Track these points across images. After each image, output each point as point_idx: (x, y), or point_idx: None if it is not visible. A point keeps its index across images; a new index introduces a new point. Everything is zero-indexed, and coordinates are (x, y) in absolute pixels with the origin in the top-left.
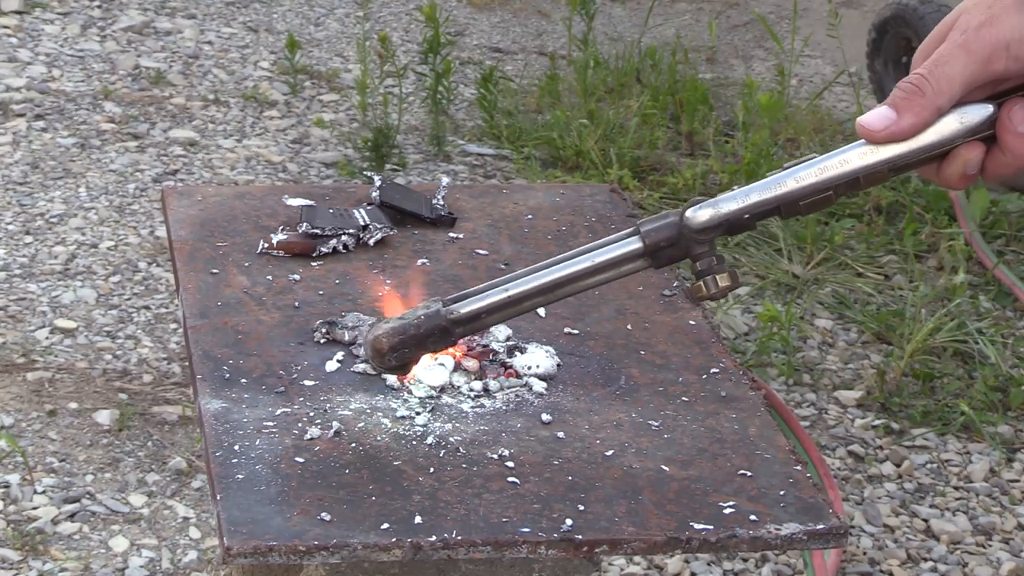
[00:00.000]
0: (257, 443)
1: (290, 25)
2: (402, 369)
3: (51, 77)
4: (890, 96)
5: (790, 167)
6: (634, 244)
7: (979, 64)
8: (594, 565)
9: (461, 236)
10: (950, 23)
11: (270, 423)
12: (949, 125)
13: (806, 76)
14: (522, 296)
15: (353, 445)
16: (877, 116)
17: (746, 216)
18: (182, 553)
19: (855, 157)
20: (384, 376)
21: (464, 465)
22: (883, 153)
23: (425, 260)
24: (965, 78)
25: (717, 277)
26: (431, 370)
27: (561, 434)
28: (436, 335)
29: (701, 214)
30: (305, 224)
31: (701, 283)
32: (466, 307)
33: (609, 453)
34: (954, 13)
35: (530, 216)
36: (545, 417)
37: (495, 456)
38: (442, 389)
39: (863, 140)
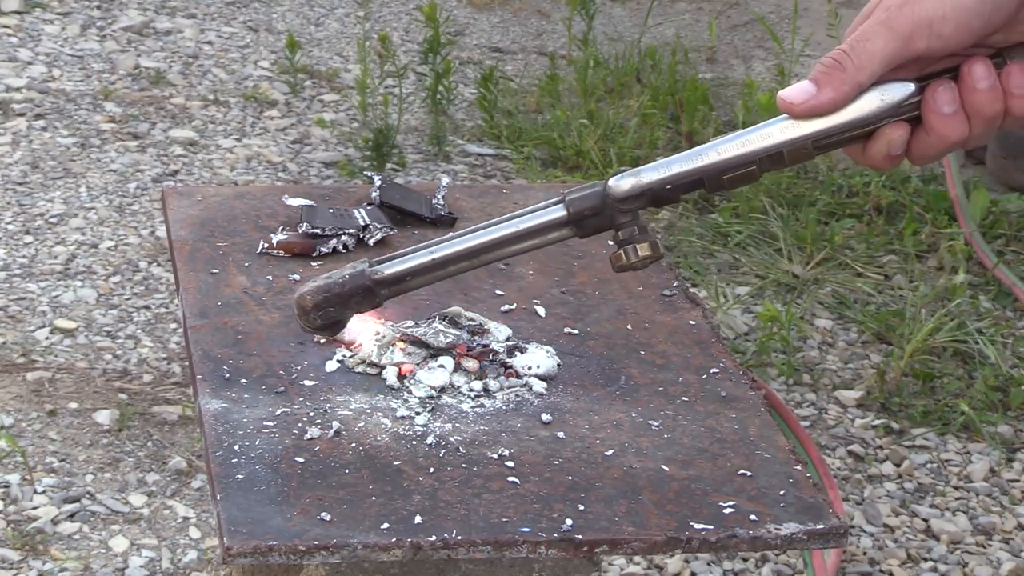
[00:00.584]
0: (257, 443)
1: (290, 25)
2: (329, 330)
3: (51, 77)
4: (812, 71)
5: (714, 141)
6: (559, 212)
7: (900, 42)
8: (594, 565)
9: None
10: (876, 1)
11: (270, 423)
12: (870, 102)
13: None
14: (447, 259)
15: (353, 445)
16: (797, 90)
17: (668, 187)
18: (182, 553)
19: (777, 132)
20: (384, 376)
21: (464, 465)
22: (805, 128)
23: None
24: (886, 55)
25: (638, 247)
26: (432, 370)
27: (561, 434)
28: (360, 295)
29: (623, 183)
30: (305, 224)
31: (621, 252)
32: (391, 268)
33: (609, 453)
34: None
35: None
36: (545, 417)
37: (495, 456)
38: (442, 389)
39: (785, 115)
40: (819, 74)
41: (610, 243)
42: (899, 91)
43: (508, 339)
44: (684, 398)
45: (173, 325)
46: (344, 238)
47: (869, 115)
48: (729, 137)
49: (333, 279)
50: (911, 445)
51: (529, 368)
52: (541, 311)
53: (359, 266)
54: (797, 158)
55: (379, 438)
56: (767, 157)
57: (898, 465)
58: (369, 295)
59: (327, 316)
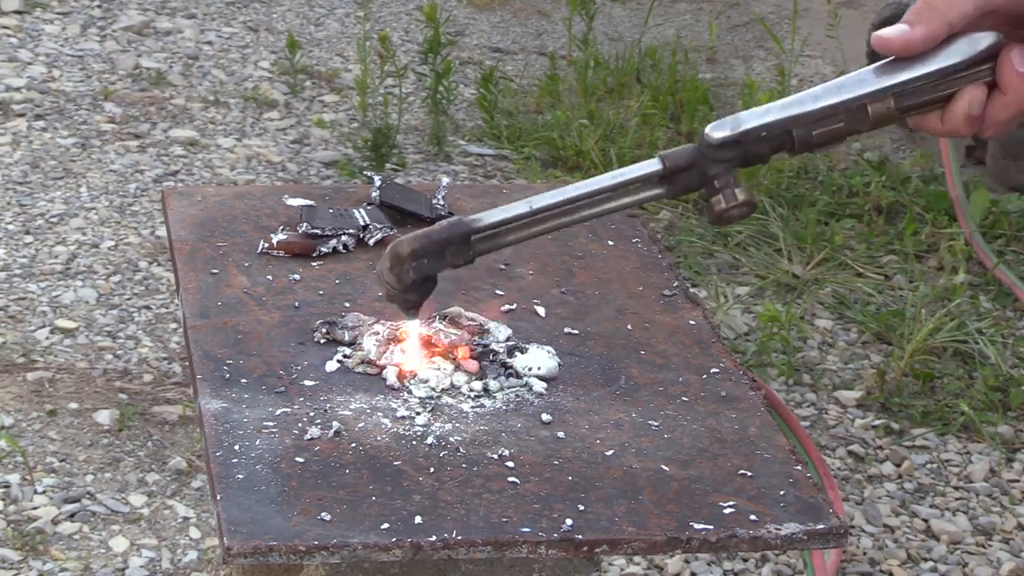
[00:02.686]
0: (257, 443)
1: (290, 25)
2: (418, 292)
3: (51, 77)
4: (905, 15)
5: (811, 90)
6: (654, 166)
7: None
8: (594, 565)
9: None
10: None
11: (270, 423)
12: (958, 49)
13: (806, 76)
14: (544, 210)
15: (353, 445)
16: (893, 29)
17: (763, 135)
18: (182, 553)
19: (871, 76)
20: (384, 376)
21: (464, 465)
22: (896, 76)
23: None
24: None
25: (736, 191)
26: (432, 371)
27: (561, 434)
28: (456, 244)
29: (720, 128)
30: (305, 224)
31: (721, 196)
32: (490, 217)
33: (609, 453)
34: None
35: None
36: (545, 417)
37: (495, 456)
38: (442, 389)
39: (876, 65)
40: (911, 15)
41: (702, 200)
42: (986, 40)
43: (508, 339)
44: (684, 398)
45: (173, 325)
46: (344, 238)
47: (956, 63)
48: (827, 84)
49: (430, 229)
50: (911, 445)
51: (529, 368)
52: (541, 311)
53: (456, 217)
54: (880, 119)
55: (379, 438)
56: (854, 112)
57: (898, 465)
58: (464, 246)
59: (421, 268)
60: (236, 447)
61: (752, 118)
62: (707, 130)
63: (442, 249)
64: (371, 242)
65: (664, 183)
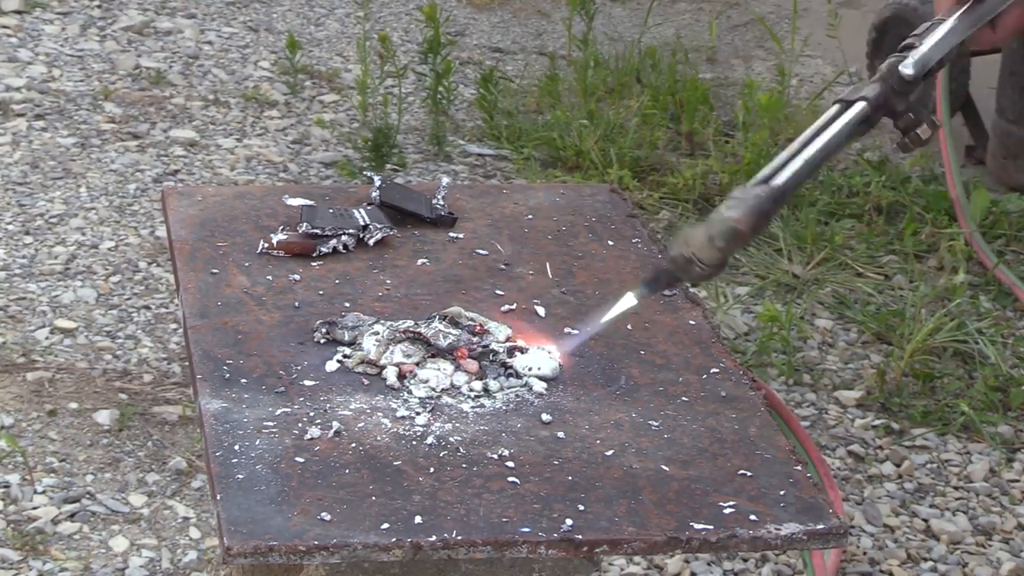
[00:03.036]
0: (257, 443)
1: (290, 25)
2: (722, 267)
3: (51, 77)
4: None
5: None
6: (860, 108)
7: None
8: (594, 565)
9: (461, 236)
10: None
11: (270, 423)
12: None
13: (806, 76)
14: (815, 159)
15: (353, 445)
16: None
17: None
18: (182, 553)
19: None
20: (384, 376)
21: (464, 465)
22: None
23: (425, 260)
24: None
25: (932, 116)
26: (431, 370)
27: (561, 434)
28: (774, 212)
29: (908, 66)
30: (305, 224)
31: (924, 125)
32: (782, 178)
33: (609, 453)
34: None
35: (530, 216)
36: (545, 417)
37: (495, 456)
38: (442, 389)
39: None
40: None
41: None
42: None
43: (508, 339)
44: (684, 398)
45: (173, 325)
46: (344, 238)
47: None
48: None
49: (748, 201)
50: (911, 445)
51: (529, 369)
52: (541, 311)
53: (751, 190)
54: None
55: (379, 438)
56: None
57: (898, 465)
58: (776, 205)
59: (750, 239)
60: (236, 447)
61: (932, 53)
62: (901, 68)
63: (771, 216)
64: (371, 242)
65: (868, 123)
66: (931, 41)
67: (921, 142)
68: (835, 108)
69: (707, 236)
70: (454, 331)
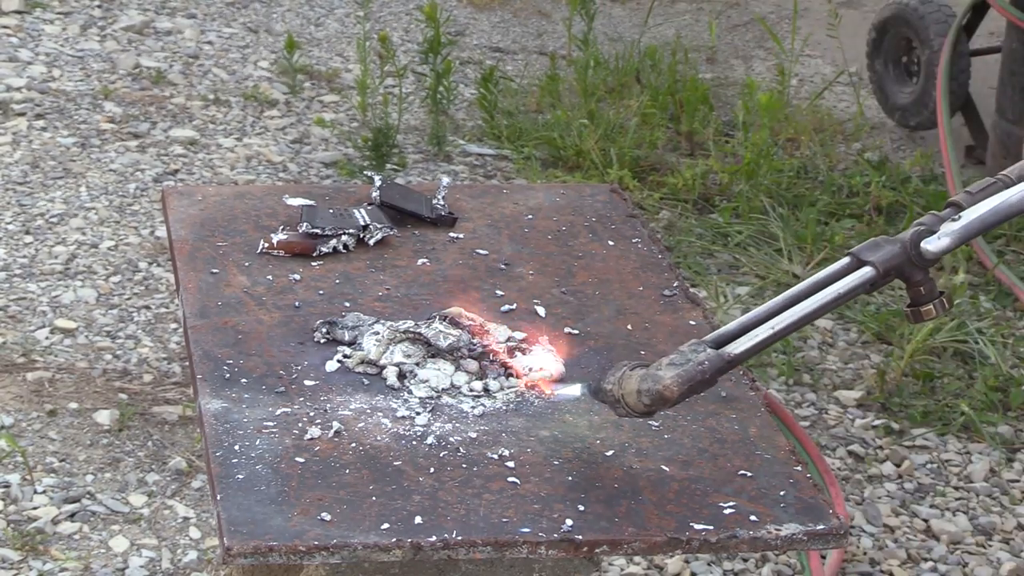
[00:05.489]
0: (257, 443)
1: (290, 25)
2: (651, 416)
3: (51, 77)
4: None
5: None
6: (868, 274)
7: None
8: (594, 565)
9: (461, 236)
10: None
11: (270, 423)
12: None
13: (806, 76)
14: (784, 330)
15: (353, 445)
16: None
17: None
18: (182, 553)
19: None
20: (384, 376)
21: (464, 465)
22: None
23: (425, 260)
24: None
25: (943, 298)
26: (431, 370)
27: (561, 434)
28: (714, 381)
29: (936, 243)
30: (305, 224)
31: (932, 305)
32: (740, 347)
33: (609, 453)
34: None
35: (530, 216)
36: (545, 417)
37: (495, 456)
38: (442, 389)
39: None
40: None
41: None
42: None
43: (508, 339)
44: None
45: (173, 325)
46: (344, 238)
47: None
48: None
49: (687, 367)
50: (911, 445)
51: (529, 368)
52: (541, 311)
53: (702, 349)
54: None
55: (379, 438)
56: None
57: (898, 465)
58: (721, 375)
59: (678, 401)
60: (236, 447)
61: (975, 227)
62: (924, 244)
63: (709, 386)
64: (371, 242)
65: (874, 286)
66: (979, 211)
67: (923, 320)
68: (844, 262)
69: (637, 389)
70: (454, 331)
